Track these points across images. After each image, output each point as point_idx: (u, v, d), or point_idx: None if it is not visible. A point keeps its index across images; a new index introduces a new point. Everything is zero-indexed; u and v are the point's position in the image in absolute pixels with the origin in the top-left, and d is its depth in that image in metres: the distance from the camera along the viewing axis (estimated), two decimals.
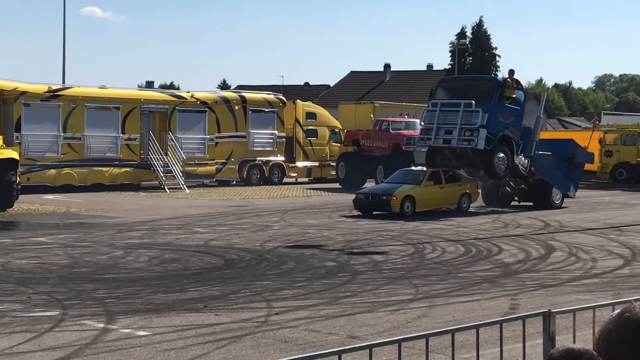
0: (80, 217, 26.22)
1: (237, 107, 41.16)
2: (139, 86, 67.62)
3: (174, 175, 37.32)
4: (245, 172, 41.15)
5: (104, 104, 37.11)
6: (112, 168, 36.84)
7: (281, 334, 10.90)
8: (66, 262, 16.96)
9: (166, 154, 37.71)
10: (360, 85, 78.32)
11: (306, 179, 44.33)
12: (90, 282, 14.65)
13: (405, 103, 52.10)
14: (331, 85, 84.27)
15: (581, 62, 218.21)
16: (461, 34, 78.44)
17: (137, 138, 37.78)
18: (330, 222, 25.07)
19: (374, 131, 40.22)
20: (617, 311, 2.17)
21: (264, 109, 42.19)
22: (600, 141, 46.93)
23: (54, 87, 36.59)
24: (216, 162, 40.25)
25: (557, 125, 78.80)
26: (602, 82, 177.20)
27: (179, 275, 15.55)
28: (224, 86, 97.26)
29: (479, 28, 79.85)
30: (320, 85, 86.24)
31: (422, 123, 29.88)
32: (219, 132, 40.43)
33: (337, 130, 45.24)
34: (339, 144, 43.99)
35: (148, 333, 10.88)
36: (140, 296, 13.46)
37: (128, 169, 37.36)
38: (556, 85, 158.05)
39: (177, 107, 39.18)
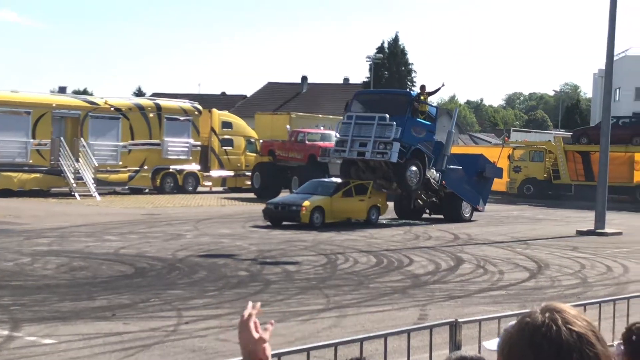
0: None
1: (151, 115, 40.67)
2: (51, 91, 66.17)
3: (85, 182, 36.62)
4: (159, 180, 40.65)
5: (14, 109, 36.18)
6: (21, 173, 35.94)
7: (190, 343, 10.77)
8: None
9: (77, 160, 36.97)
10: (277, 96, 78.43)
11: (221, 188, 44.05)
12: None
13: (322, 115, 52.36)
14: (248, 96, 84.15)
15: (493, 80, 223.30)
16: (379, 49, 79.34)
17: (47, 143, 36.96)
18: (244, 232, 24.94)
19: (290, 142, 40.28)
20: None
21: (179, 117, 41.80)
22: (509, 157, 48.02)
23: None
24: (129, 170, 39.65)
25: (468, 140, 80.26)
26: (512, 100, 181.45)
27: (88, 283, 15.23)
28: (140, 93, 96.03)
29: (395, 43, 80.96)
30: (237, 95, 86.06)
31: (338, 135, 30.07)
32: (132, 139, 39.86)
33: (253, 140, 45.14)
34: (255, 154, 43.89)
35: (54, 341, 10.61)
36: (47, 304, 13.12)
37: (38, 175, 36.50)
38: (468, 102, 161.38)
39: (89, 113, 38.47)
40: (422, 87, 29.90)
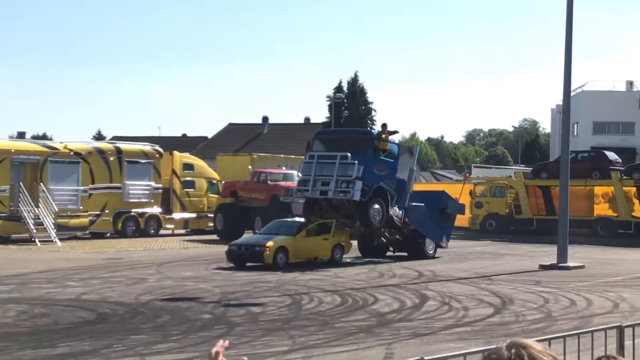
0: None
1: (112, 158, 40.44)
2: (10, 137, 65.60)
3: (45, 228, 36.19)
4: (120, 224, 40.30)
5: None
6: None
7: None
8: None
9: (37, 206, 36.56)
10: (239, 137, 78.40)
11: (183, 231, 43.82)
12: None
13: (283, 155, 52.44)
14: (209, 137, 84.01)
15: (452, 117, 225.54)
16: (338, 88, 79.92)
17: (6, 189, 36.53)
18: (207, 274, 24.77)
19: (252, 182, 40.27)
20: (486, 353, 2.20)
21: (140, 160, 41.60)
22: (471, 193, 48.38)
23: None
24: (90, 214, 39.28)
25: (430, 177, 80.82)
26: (472, 137, 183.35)
27: (49, 331, 14.98)
28: (99, 137, 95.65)
29: (354, 83, 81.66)
30: (198, 137, 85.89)
31: (300, 174, 30.12)
32: (92, 183, 39.55)
33: (214, 181, 45.05)
34: (217, 195, 43.77)
35: None
36: (8, 352, 12.88)
37: None
38: (429, 139, 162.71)
39: (49, 158, 38.16)
40: (384, 126, 30.09)
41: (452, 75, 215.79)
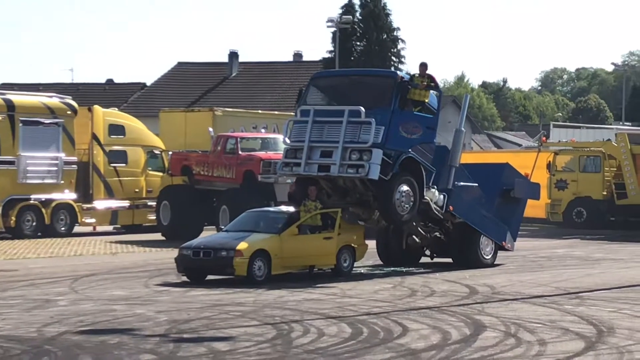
0: None
1: None
2: None
3: None
4: (14, 218, 40.33)
5: None
6: None
7: None
8: None
9: None
10: (193, 84, 78.52)
11: (110, 227, 43.84)
12: None
13: (261, 111, 52.48)
14: (148, 84, 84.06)
15: (520, 54, 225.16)
16: (347, 8, 79.48)
17: None
18: (148, 293, 24.84)
19: (214, 153, 40.22)
20: None
21: (43, 120, 41.58)
22: (549, 166, 48.34)
23: None
24: None
25: (486, 142, 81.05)
26: (550, 81, 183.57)
27: None
28: None
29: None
30: (132, 83, 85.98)
31: (287, 140, 30.07)
32: None
33: (157, 151, 45.05)
34: (161, 173, 43.79)
35: None
36: None
37: None
38: (485, 85, 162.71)
39: None
40: (423, 66, 29.66)
41: None
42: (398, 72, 36.18)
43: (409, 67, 75.64)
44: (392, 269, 30.37)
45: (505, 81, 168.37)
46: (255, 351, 17.43)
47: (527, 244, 37.18)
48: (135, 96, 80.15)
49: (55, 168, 41.78)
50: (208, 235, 32.79)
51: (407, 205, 28.88)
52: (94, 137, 43.54)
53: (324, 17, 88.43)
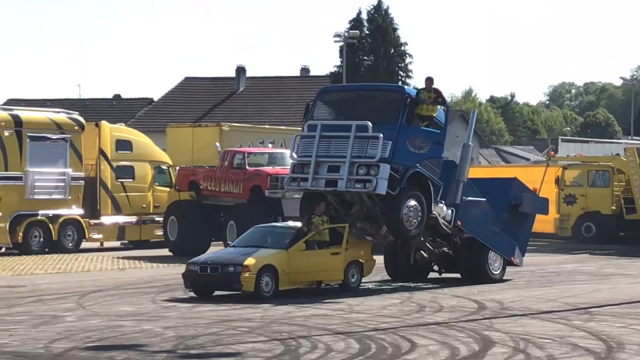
0: None
1: (7, 133, 40.46)
2: None
3: None
4: (21, 234, 40.36)
5: None
6: None
7: None
8: None
9: None
10: (200, 99, 78.56)
11: (118, 243, 43.84)
12: None
13: (268, 125, 52.51)
14: (155, 99, 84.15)
15: (528, 67, 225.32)
16: (355, 23, 79.50)
17: None
18: (155, 309, 24.84)
19: (221, 168, 40.24)
20: None
21: (50, 136, 41.62)
22: (558, 181, 48.30)
23: None
24: None
25: (494, 157, 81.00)
26: (558, 95, 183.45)
27: None
28: None
29: (379, 14, 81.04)
30: (139, 99, 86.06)
31: (295, 155, 30.07)
32: None
33: (164, 167, 45.07)
34: (169, 189, 43.80)
35: None
36: None
37: None
38: (492, 100, 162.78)
39: None
40: (429, 80, 29.71)
41: (527, 3, 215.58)
42: (405, 87, 36.15)
43: (417, 81, 75.67)
44: (400, 284, 30.38)
45: (513, 95, 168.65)
46: None
47: (535, 259, 37.14)
48: (142, 111, 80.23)
49: (62, 184, 41.81)
50: (215, 250, 32.78)
51: (414, 220, 28.87)
52: (101, 153, 43.60)
53: (332, 32, 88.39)
